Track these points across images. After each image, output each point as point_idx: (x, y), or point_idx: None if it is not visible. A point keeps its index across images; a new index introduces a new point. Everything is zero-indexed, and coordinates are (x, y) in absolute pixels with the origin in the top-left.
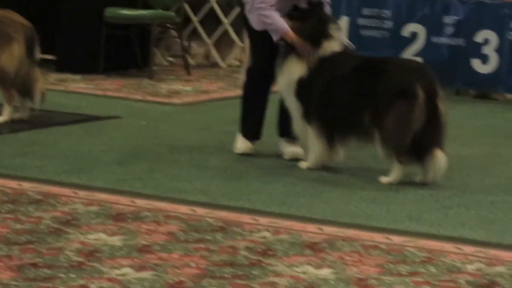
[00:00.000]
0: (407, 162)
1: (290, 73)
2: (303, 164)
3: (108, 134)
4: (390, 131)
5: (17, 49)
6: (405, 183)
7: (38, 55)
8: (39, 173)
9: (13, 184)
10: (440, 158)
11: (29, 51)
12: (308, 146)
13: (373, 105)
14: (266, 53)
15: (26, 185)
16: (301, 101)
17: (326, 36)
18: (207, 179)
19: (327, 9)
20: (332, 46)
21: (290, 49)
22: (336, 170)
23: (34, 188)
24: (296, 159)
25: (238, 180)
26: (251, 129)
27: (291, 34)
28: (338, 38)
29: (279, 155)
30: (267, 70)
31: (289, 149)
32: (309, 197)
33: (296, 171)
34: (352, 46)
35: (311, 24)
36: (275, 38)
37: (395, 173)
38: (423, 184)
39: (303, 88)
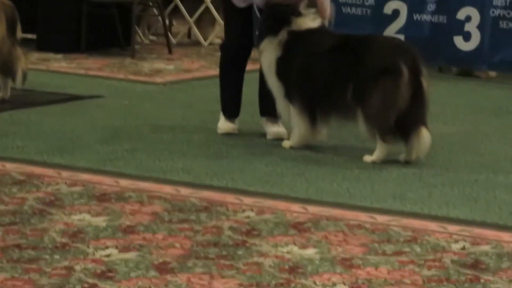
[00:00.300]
0: (391, 140)
1: (269, 53)
2: (286, 143)
3: (90, 113)
4: (375, 109)
5: None
6: (389, 161)
7: (20, 34)
8: (21, 154)
9: None
10: (425, 135)
11: (11, 30)
12: (291, 125)
13: (356, 83)
14: (240, 29)
15: (9, 165)
16: (282, 81)
17: (295, 13)
18: (190, 158)
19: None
20: (305, 23)
21: (266, 29)
22: (319, 149)
23: (17, 168)
24: (279, 139)
25: (221, 159)
26: (229, 106)
27: None
28: (311, 16)
29: (262, 135)
30: (241, 46)
31: (272, 129)
32: (292, 176)
33: (279, 151)
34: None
35: (279, 5)
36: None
37: (378, 151)
38: (406, 163)
39: (283, 67)
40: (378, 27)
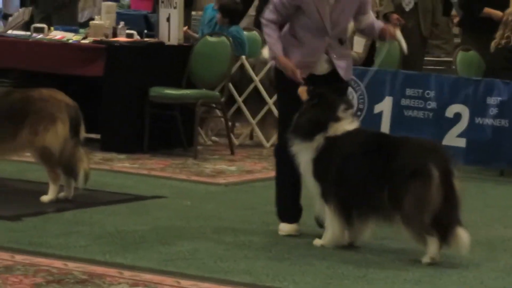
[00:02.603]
0: (435, 234)
1: (305, 155)
2: (318, 242)
3: (153, 214)
4: (410, 212)
5: (61, 129)
6: (449, 264)
7: (83, 134)
8: (84, 253)
9: (58, 263)
10: (462, 235)
11: (74, 130)
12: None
13: (391, 186)
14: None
15: (71, 264)
16: (319, 181)
17: (334, 119)
18: (252, 259)
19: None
20: (342, 127)
21: (303, 134)
22: (380, 252)
23: (79, 268)
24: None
25: (282, 261)
26: (284, 211)
27: (282, 59)
28: (348, 119)
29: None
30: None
31: None
32: (353, 279)
33: (341, 252)
34: None
35: (316, 109)
36: (269, 58)
37: (431, 248)
38: (467, 266)
39: (319, 168)
40: (439, 131)
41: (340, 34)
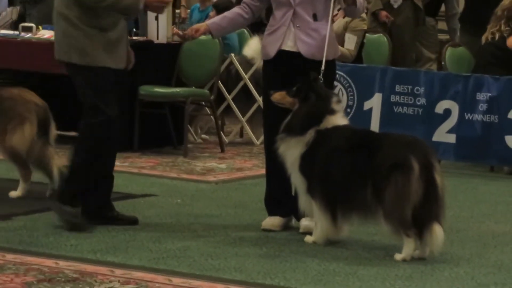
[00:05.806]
0: (414, 234)
1: (294, 150)
2: (309, 238)
3: (143, 212)
4: (391, 206)
5: (28, 129)
6: (440, 261)
7: (54, 133)
8: (75, 252)
9: (49, 262)
10: (437, 232)
11: (42, 131)
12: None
13: (373, 181)
14: (277, 117)
15: (62, 263)
16: (305, 176)
17: (329, 111)
18: (243, 257)
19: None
20: (334, 120)
21: (298, 127)
22: (370, 248)
23: (70, 266)
24: (310, 233)
25: (273, 258)
26: (270, 203)
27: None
28: (341, 112)
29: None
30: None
31: (303, 223)
32: (344, 275)
33: (332, 249)
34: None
35: (312, 101)
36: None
37: (407, 248)
38: (458, 262)
39: (306, 163)
40: (429, 127)
41: (311, 8)
